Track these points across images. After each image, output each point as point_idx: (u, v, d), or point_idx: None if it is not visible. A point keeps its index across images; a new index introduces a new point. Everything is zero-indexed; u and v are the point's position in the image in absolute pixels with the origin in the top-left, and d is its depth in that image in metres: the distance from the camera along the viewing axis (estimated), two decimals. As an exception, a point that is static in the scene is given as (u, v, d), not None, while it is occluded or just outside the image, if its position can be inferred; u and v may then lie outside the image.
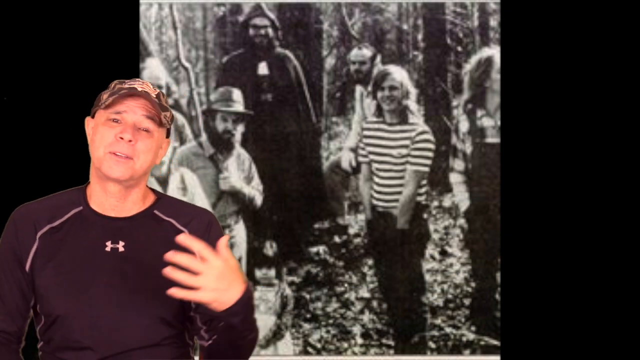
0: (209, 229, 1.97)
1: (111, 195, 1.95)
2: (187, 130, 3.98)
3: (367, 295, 4.00)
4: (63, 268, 1.90)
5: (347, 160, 4.03)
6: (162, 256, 1.80)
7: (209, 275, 1.70)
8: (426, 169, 3.99)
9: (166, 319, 1.91)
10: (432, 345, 3.96)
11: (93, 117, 1.97)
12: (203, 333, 1.93)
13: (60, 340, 1.90)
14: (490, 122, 3.98)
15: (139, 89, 1.92)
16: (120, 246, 1.92)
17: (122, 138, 1.89)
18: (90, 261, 1.90)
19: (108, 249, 1.92)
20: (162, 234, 1.94)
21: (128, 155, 1.90)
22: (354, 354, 3.98)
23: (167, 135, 2.00)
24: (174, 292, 1.69)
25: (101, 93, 1.97)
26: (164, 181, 3.94)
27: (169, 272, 1.69)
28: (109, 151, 1.89)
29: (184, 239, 1.72)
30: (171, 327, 1.93)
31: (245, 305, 1.79)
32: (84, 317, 1.88)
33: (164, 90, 3.94)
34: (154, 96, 1.93)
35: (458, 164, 4.00)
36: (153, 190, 2.04)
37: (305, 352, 3.97)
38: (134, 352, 1.89)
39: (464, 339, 3.97)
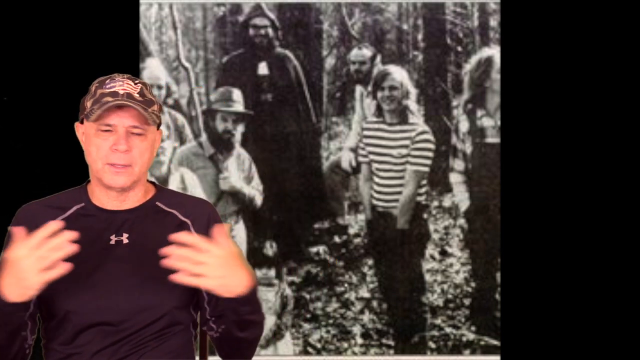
0: (211, 222, 1.99)
1: (113, 198, 1.97)
2: (187, 130, 3.98)
3: (367, 295, 4.00)
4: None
5: (347, 160, 4.03)
6: (166, 246, 1.84)
7: (211, 264, 1.72)
8: (426, 169, 3.99)
9: (173, 308, 1.93)
10: (432, 345, 3.96)
11: (82, 122, 1.96)
12: (212, 324, 1.97)
13: (65, 336, 1.91)
14: (490, 122, 3.98)
15: (121, 92, 1.89)
16: (125, 238, 1.93)
17: (117, 149, 1.89)
18: (94, 255, 1.91)
19: (112, 242, 1.93)
20: (166, 225, 1.96)
21: (126, 164, 1.90)
22: (354, 354, 3.98)
23: (158, 127, 2.00)
24: (177, 278, 1.71)
25: (85, 98, 1.95)
26: (164, 181, 3.94)
27: (171, 262, 1.70)
28: (107, 163, 1.90)
29: (182, 236, 1.73)
30: (178, 316, 1.94)
31: (253, 294, 1.83)
32: (90, 311, 1.88)
33: (163, 91, 3.95)
34: (137, 94, 1.91)
35: (458, 164, 4.00)
36: (152, 182, 2.06)
37: (305, 352, 3.97)
38: (140, 342, 1.89)
39: (464, 339, 3.97)
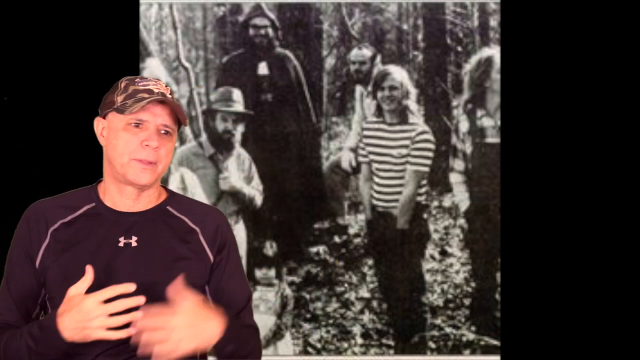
0: (219, 232, 2.00)
1: (127, 197, 1.96)
2: (187, 130, 3.98)
3: (367, 295, 4.00)
4: (75, 263, 1.90)
5: (347, 160, 4.03)
6: (174, 251, 1.90)
7: (179, 327, 1.73)
8: (426, 169, 3.99)
9: None
10: (432, 345, 3.96)
11: (104, 117, 1.96)
12: None
13: None
14: (490, 122, 3.98)
15: (156, 91, 1.91)
16: (133, 241, 1.93)
17: (148, 145, 1.89)
18: (102, 256, 1.91)
19: (121, 244, 1.93)
20: (175, 230, 1.97)
21: (153, 162, 1.91)
22: (354, 354, 3.97)
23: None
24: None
25: (112, 93, 1.95)
26: (164, 181, 3.94)
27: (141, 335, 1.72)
28: (134, 158, 1.90)
29: (144, 322, 1.73)
30: None
31: (231, 330, 1.82)
32: None
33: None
34: (169, 95, 1.94)
35: (458, 164, 4.00)
36: (164, 187, 2.05)
37: (305, 352, 3.97)
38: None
39: (464, 339, 3.97)
